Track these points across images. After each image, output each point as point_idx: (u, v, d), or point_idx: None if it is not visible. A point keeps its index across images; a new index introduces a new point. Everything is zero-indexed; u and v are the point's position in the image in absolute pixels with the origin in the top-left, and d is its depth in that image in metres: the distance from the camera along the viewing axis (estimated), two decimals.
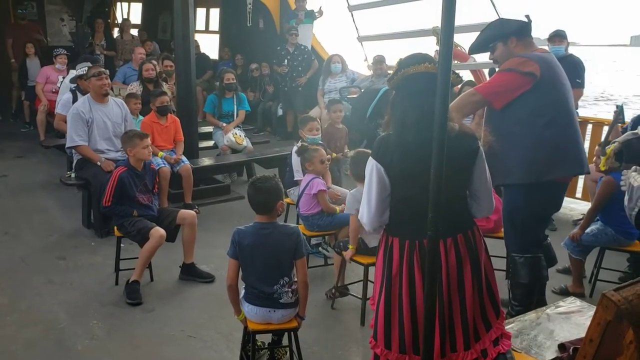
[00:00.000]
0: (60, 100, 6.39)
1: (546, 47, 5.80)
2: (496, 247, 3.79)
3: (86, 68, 6.32)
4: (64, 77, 7.84)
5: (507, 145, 3.20)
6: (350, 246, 3.81)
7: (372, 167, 2.39)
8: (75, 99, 6.12)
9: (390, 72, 8.00)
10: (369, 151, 3.97)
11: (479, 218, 2.54)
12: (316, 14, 9.61)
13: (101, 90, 5.35)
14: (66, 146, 5.41)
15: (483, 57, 7.59)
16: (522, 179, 3.30)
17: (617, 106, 4.64)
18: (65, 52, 8.62)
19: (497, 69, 3.57)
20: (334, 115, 5.97)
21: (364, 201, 2.46)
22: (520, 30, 3.41)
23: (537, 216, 3.48)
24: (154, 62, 7.42)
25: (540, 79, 3.25)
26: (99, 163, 5.18)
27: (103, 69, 5.57)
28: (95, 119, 5.29)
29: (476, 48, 3.60)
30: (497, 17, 6.40)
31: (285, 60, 9.12)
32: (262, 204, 2.98)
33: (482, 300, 2.44)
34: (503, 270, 3.78)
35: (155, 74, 6.91)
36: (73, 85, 6.55)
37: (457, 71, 2.53)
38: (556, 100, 3.33)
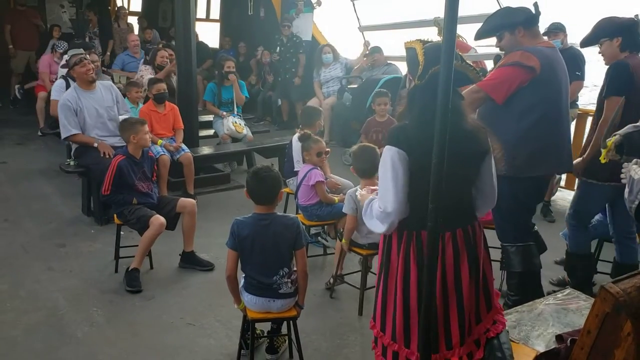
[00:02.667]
0: (54, 87, 6.33)
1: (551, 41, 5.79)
2: (493, 238, 3.80)
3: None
4: None
5: (494, 139, 3.22)
6: (343, 240, 3.82)
7: (393, 154, 2.27)
8: (68, 85, 6.09)
9: (390, 62, 7.93)
10: (374, 146, 3.97)
11: (483, 213, 2.52)
12: (314, 4, 9.58)
13: (86, 77, 5.32)
14: (62, 137, 5.41)
15: (485, 49, 7.57)
16: (504, 172, 3.32)
17: None
18: (67, 47, 8.55)
19: (498, 62, 3.57)
20: (377, 107, 5.98)
21: (387, 192, 2.28)
22: (527, 20, 3.40)
23: (522, 205, 3.52)
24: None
25: (539, 75, 3.26)
26: (95, 144, 5.18)
27: (83, 54, 5.51)
28: (86, 107, 5.27)
29: (482, 35, 3.60)
30: (501, 7, 6.39)
31: (278, 49, 9.15)
32: (265, 195, 2.98)
33: (477, 295, 2.42)
34: (498, 261, 3.80)
35: (168, 62, 6.98)
36: (64, 71, 6.51)
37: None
38: (549, 98, 3.34)
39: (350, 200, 3.73)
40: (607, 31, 3.70)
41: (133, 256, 4.17)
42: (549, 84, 3.33)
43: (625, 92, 3.50)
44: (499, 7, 6.47)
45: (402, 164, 2.26)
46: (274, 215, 3.02)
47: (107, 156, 5.03)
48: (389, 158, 2.28)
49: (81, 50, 6.26)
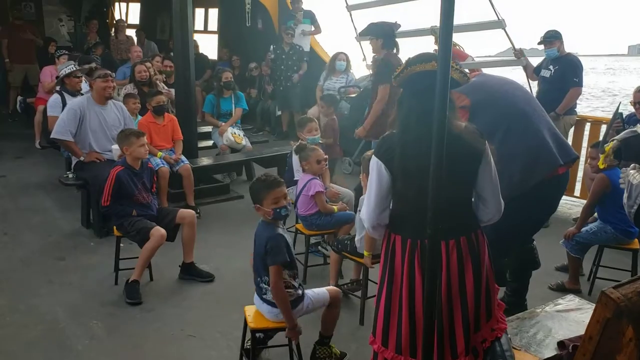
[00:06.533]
0: (50, 103, 6.27)
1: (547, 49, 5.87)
2: None
3: (72, 67, 6.30)
4: None
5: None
6: (365, 252, 3.67)
7: (373, 164, 2.40)
8: (63, 99, 6.09)
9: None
10: None
11: (486, 222, 2.46)
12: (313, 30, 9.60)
13: (104, 93, 5.32)
14: (51, 136, 5.36)
15: (482, 57, 7.59)
16: (512, 193, 3.10)
17: (618, 112, 4.84)
18: (66, 52, 8.58)
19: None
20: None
21: (365, 199, 2.49)
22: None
23: (534, 220, 3.43)
24: (148, 63, 7.23)
25: (475, 105, 3.20)
26: (82, 158, 5.21)
27: (109, 72, 5.53)
28: (91, 117, 5.27)
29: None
30: (496, 17, 6.43)
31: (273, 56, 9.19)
32: None
33: (478, 303, 2.40)
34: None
35: (148, 75, 6.80)
36: (58, 86, 6.50)
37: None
38: (502, 111, 3.24)
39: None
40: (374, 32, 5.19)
41: (133, 268, 4.16)
42: (493, 101, 3.25)
43: (389, 82, 4.35)
44: (495, 15, 6.51)
45: (378, 174, 2.38)
46: (265, 221, 3.08)
47: (97, 160, 5.21)
48: (371, 167, 2.43)
49: (73, 62, 6.28)
